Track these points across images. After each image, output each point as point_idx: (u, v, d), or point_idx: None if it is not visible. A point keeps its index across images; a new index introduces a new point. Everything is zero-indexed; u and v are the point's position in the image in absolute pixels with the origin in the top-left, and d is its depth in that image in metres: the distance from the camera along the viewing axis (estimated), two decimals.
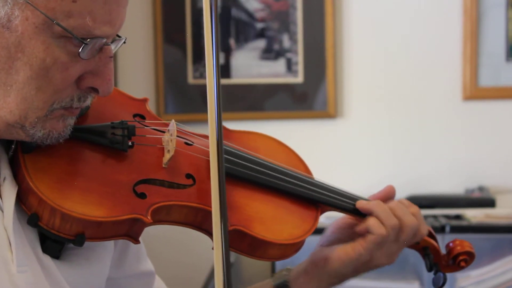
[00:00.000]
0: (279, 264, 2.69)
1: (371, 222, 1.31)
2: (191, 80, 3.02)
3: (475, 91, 2.97)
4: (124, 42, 1.14)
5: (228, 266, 0.98)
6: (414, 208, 1.37)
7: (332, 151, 3.03)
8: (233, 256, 2.89)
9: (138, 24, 3.01)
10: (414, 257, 2.71)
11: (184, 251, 2.97)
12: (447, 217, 2.71)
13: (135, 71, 3.02)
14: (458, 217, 2.71)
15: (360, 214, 1.36)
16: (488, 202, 2.78)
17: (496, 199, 2.79)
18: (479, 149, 3.00)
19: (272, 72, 3.03)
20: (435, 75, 3.01)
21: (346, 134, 3.05)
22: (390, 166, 3.02)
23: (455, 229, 2.60)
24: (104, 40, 1.07)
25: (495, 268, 2.68)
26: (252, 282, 1.48)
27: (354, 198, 1.37)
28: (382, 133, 3.03)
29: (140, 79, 3.02)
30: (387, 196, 1.39)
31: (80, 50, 1.04)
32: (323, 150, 3.03)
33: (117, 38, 1.12)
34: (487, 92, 2.98)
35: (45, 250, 1.11)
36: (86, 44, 1.04)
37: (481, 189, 2.92)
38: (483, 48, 2.96)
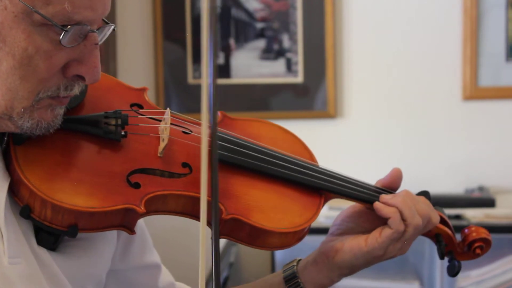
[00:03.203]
0: (279, 263, 2.69)
1: (393, 215, 1.28)
2: (191, 80, 3.02)
3: (475, 91, 2.97)
4: (114, 30, 1.12)
5: (217, 257, 0.94)
6: (422, 198, 1.34)
7: (332, 151, 3.03)
8: (233, 256, 2.88)
9: (138, 23, 3.00)
10: (414, 257, 2.72)
11: (184, 252, 2.97)
12: (447, 217, 2.71)
13: (135, 70, 3.02)
14: (458, 217, 2.70)
15: (367, 201, 1.33)
16: (488, 202, 2.77)
17: (496, 199, 2.79)
18: (479, 149, 3.00)
19: (272, 72, 3.03)
20: (435, 75, 3.00)
21: (346, 134, 3.04)
22: (390, 166, 3.00)
23: (455, 229, 2.58)
24: (88, 27, 1.05)
25: (495, 268, 2.67)
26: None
27: (361, 185, 1.35)
28: (382, 133, 3.03)
29: (141, 78, 3.02)
30: (395, 180, 1.37)
31: (61, 37, 1.03)
32: (323, 150, 3.01)
33: (105, 25, 1.10)
34: (487, 92, 2.97)
35: (39, 242, 1.11)
36: (66, 31, 1.02)
37: (481, 189, 2.91)
38: (483, 48, 2.96)
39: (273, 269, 2.75)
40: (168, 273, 1.39)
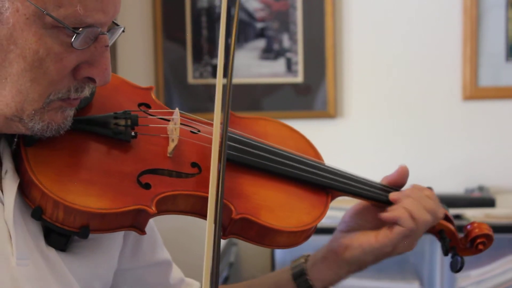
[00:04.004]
0: (279, 262, 2.69)
1: (401, 215, 1.29)
2: (191, 79, 3.02)
3: (475, 91, 2.97)
4: (123, 31, 1.13)
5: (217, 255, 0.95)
6: (428, 191, 1.35)
7: (332, 151, 3.02)
8: (233, 256, 2.88)
9: (138, 23, 3.00)
10: (414, 257, 2.72)
11: (184, 251, 2.97)
12: None
13: (135, 70, 3.02)
14: (458, 217, 2.70)
15: (373, 199, 1.34)
16: (488, 202, 2.77)
17: (496, 199, 2.79)
18: (479, 149, 3.00)
19: (272, 72, 3.03)
20: (435, 75, 3.00)
21: (346, 134, 3.04)
22: (390, 166, 3.00)
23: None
24: (99, 29, 1.05)
25: (495, 268, 2.67)
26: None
27: (367, 183, 1.35)
28: (382, 133, 3.03)
29: (141, 78, 3.02)
30: (401, 177, 1.38)
31: (72, 40, 1.03)
32: (323, 150, 3.01)
33: (115, 26, 1.11)
34: (487, 92, 2.97)
35: (50, 243, 1.11)
36: (78, 33, 1.02)
37: (481, 189, 2.91)
38: (483, 48, 2.96)
39: (273, 269, 2.75)
40: (178, 270, 1.39)
